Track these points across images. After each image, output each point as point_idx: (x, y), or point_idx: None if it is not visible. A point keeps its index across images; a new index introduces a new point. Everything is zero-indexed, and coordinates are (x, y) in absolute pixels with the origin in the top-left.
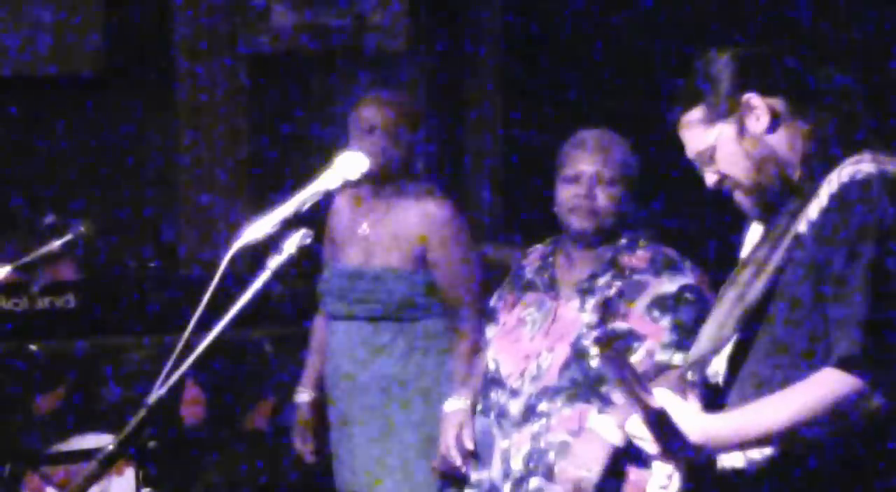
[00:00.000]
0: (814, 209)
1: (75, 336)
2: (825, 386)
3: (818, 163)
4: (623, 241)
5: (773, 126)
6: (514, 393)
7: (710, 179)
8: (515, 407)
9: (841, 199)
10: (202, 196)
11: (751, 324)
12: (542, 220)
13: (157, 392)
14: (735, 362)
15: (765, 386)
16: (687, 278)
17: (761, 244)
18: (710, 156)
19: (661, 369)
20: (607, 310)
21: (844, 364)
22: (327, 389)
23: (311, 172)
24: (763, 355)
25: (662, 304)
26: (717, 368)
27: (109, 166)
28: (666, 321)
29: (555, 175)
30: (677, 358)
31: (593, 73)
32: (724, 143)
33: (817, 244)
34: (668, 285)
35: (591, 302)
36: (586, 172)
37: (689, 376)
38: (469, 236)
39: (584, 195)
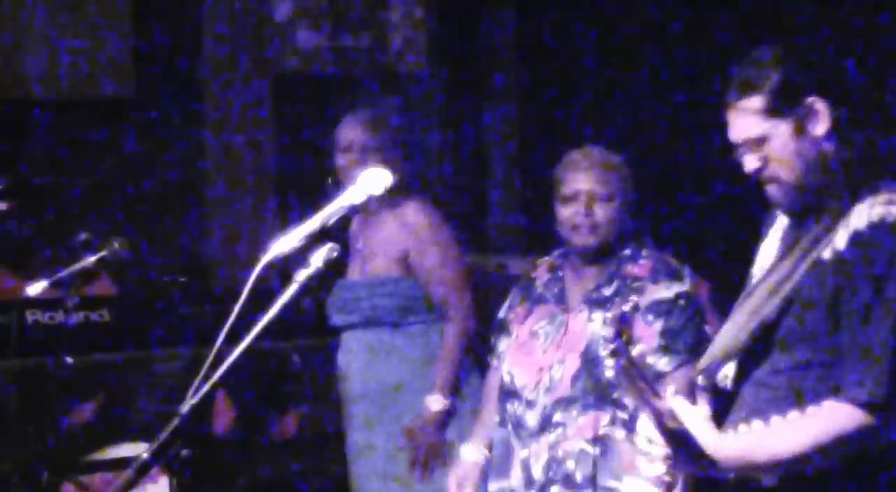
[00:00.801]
0: (841, 239)
1: (109, 349)
2: (839, 421)
3: (855, 183)
4: (627, 251)
5: (830, 134)
6: (530, 404)
7: (751, 164)
8: (532, 418)
9: (870, 237)
10: (230, 212)
11: (764, 337)
12: (560, 234)
13: (190, 402)
14: (744, 371)
15: (772, 399)
16: (684, 286)
17: (781, 261)
18: (758, 145)
19: (653, 373)
20: (624, 324)
21: (865, 406)
22: (341, 397)
23: (334, 187)
24: (772, 369)
25: (657, 309)
26: (727, 372)
27: (140, 184)
28: (658, 326)
29: (553, 196)
30: (663, 362)
31: (608, 87)
32: (778, 138)
33: (841, 275)
34: (665, 292)
35: (600, 313)
36: (582, 191)
37: (700, 380)
38: (451, 243)
39: (584, 213)
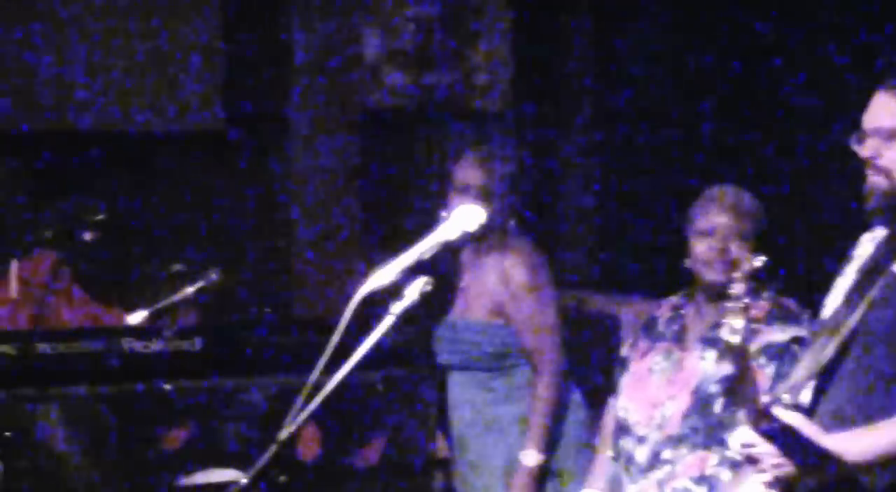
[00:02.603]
0: None
1: (200, 377)
2: None
3: None
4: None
5: None
6: (641, 440)
7: (868, 151)
8: (642, 454)
9: None
10: (317, 245)
11: (845, 351)
12: (637, 272)
13: (288, 428)
14: (826, 385)
15: (857, 411)
16: (801, 330)
17: (861, 280)
18: (889, 136)
19: None
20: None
21: None
22: (449, 426)
23: (419, 224)
24: (854, 382)
25: (770, 352)
26: (808, 389)
27: (228, 216)
28: (769, 370)
29: (686, 229)
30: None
31: (686, 132)
32: None
33: None
34: (780, 335)
35: (712, 351)
36: (720, 226)
37: (786, 399)
38: (545, 291)
39: (719, 249)
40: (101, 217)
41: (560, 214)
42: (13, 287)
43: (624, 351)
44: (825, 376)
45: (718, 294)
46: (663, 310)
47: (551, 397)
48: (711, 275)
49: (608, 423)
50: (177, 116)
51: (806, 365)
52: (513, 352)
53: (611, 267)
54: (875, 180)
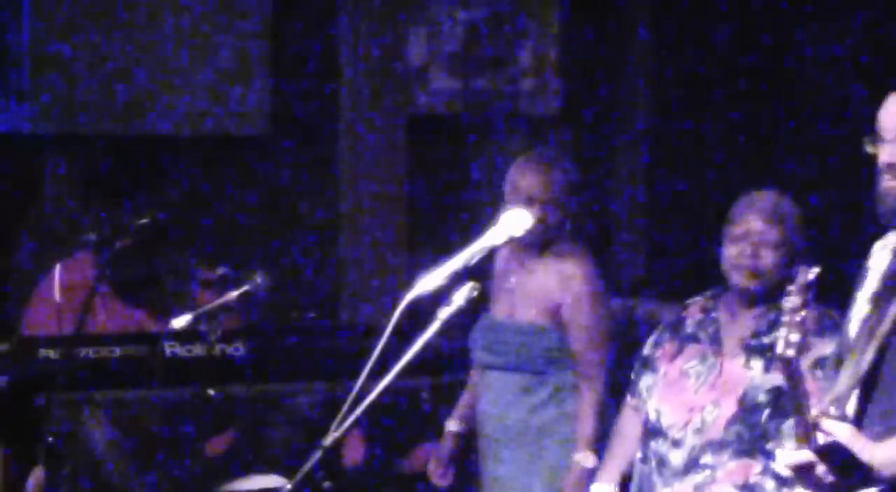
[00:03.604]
0: None
1: (243, 382)
2: None
3: None
4: None
5: None
6: (676, 444)
7: (890, 156)
8: (678, 457)
9: None
10: (362, 250)
11: (882, 357)
12: (687, 276)
13: (333, 434)
14: (872, 391)
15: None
16: None
17: (886, 286)
18: None
19: None
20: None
21: None
22: (478, 431)
23: (465, 229)
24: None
25: (823, 364)
26: (853, 399)
27: (273, 221)
28: (824, 383)
29: (723, 232)
30: None
31: (739, 135)
32: None
33: None
34: (830, 346)
35: (759, 361)
36: (754, 232)
37: (833, 411)
38: (604, 300)
39: (750, 254)
40: (145, 221)
41: (612, 218)
42: (56, 290)
43: (646, 350)
44: (868, 383)
45: (751, 300)
46: (691, 311)
47: (600, 403)
48: (739, 280)
49: (626, 422)
50: (223, 120)
51: (848, 375)
52: (558, 356)
53: (659, 274)
54: (892, 185)
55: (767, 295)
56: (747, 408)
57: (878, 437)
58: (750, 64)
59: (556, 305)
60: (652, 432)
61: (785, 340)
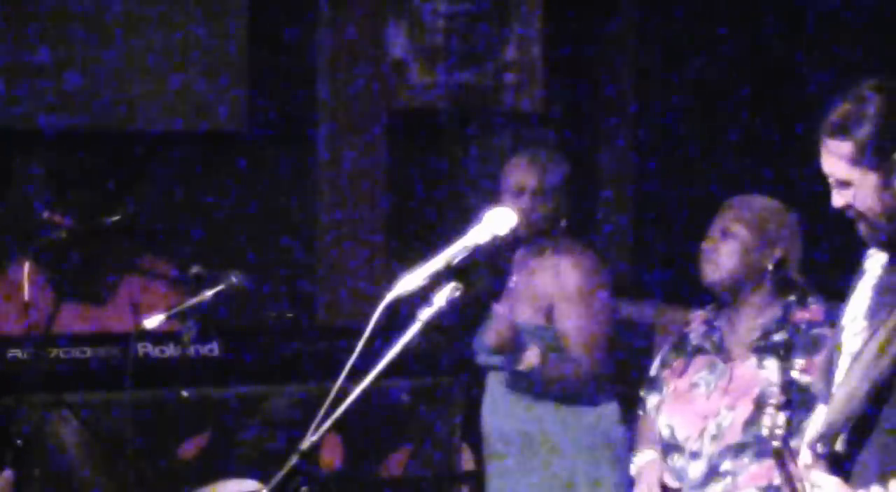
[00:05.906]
0: None
1: (218, 384)
2: None
3: None
4: (792, 297)
5: None
6: (694, 455)
7: (838, 202)
8: (696, 469)
9: None
10: (340, 248)
11: (877, 399)
12: (673, 278)
13: (310, 438)
14: (859, 435)
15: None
16: None
17: (878, 312)
18: (845, 186)
19: None
20: (786, 361)
21: None
22: (483, 435)
23: (446, 226)
24: (890, 429)
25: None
26: (842, 437)
27: (249, 219)
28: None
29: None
30: None
31: (724, 136)
32: (864, 188)
33: None
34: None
35: (772, 359)
36: (717, 226)
37: (819, 448)
38: (598, 298)
39: (711, 249)
40: (116, 218)
41: (596, 218)
42: (26, 289)
43: (653, 371)
44: (858, 426)
45: (719, 297)
46: (693, 325)
47: (573, 380)
48: (702, 273)
49: (645, 430)
50: (199, 116)
51: (837, 410)
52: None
53: (644, 275)
54: (860, 227)
55: (732, 292)
56: (764, 407)
57: (869, 482)
58: (737, 60)
59: (551, 304)
60: (667, 448)
61: (770, 428)
